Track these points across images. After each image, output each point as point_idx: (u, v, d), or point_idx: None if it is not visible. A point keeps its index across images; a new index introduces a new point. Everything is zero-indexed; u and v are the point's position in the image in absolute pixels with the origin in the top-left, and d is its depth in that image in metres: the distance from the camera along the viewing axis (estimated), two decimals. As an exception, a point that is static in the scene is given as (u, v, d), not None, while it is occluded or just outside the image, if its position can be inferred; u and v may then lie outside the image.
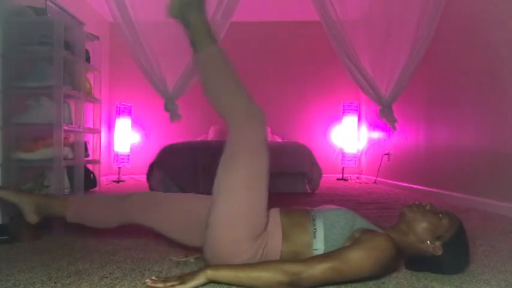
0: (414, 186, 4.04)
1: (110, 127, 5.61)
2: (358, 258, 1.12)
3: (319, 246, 1.23)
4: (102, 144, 3.99)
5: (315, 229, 1.26)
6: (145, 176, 3.89)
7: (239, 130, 1.25)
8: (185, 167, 3.72)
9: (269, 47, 5.81)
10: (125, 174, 5.50)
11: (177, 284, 1.10)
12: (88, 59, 2.45)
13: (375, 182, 5.04)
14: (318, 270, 1.10)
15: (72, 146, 2.24)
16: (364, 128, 5.80)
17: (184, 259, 1.46)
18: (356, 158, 5.67)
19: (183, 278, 1.12)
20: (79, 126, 2.27)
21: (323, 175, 4.01)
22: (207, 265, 1.24)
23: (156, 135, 5.65)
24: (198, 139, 5.09)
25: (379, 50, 3.28)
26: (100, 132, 2.64)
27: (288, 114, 5.76)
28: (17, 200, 1.56)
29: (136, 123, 5.68)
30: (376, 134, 5.29)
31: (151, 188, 3.90)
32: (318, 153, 4.60)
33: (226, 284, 1.14)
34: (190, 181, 3.60)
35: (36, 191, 1.87)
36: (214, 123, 5.21)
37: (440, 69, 3.55)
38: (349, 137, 5.63)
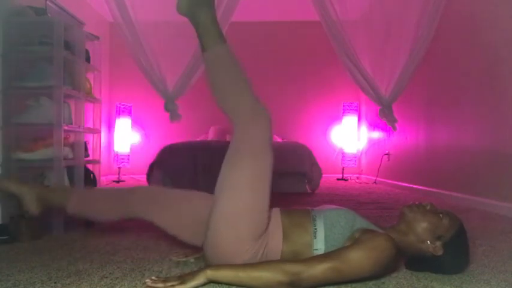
0: (414, 186, 4.04)
1: (110, 127, 5.61)
2: (358, 258, 1.12)
3: (319, 246, 1.23)
4: (102, 144, 3.99)
5: (315, 229, 1.26)
6: (145, 176, 3.90)
7: (244, 128, 1.25)
8: (185, 167, 3.72)
9: (269, 47, 5.81)
10: (124, 174, 5.50)
11: (177, 284, 1.10)
12: (88, 59, 2.45)
13: (375, 182, 5.04)
14: (318, 270, 1.10)
15: (72, 146, 2.24)
16: (364, 128, 5.80)
17: (184, 259, 1.46)
18: (356, 158, 5.67)
19: (183, 278, 1.12)
20: (79, 126, 2.27)
21: (323, 175, 4.01)
22: (207, 265, 1.24)
23: (156, 135, 5.65)
24: (198, 139, 5.09)
25: (379, 50, 3.28)
26: (100, 132, 2.64)
27: (288, 114, 5.75)
28: (17, 191, 1.56)
29: (136, 123, 5.68)
30: (376, 134, 5.29)
31: (151, 188, 3.90)
32: (318, 153, 4.59)
33: (226, 284, 1.14)
34: (190, 181, 3.60)
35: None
36: (214, 123, 5.21)
37: (440, 69, 3.55)
38: (349, 137, 5.63)
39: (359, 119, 5.78)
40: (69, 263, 1.44)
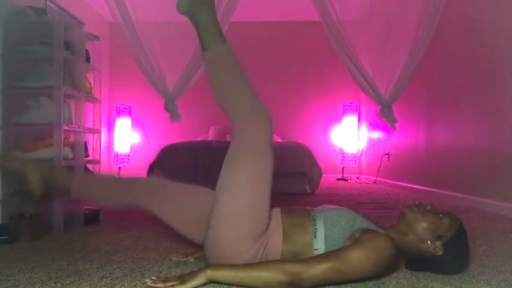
0: (414, 186, 4.04)
1: (110, 127, 5.62)
2: (358, 258, 1.12)
3: (319, 246, 1.23)
4: (102, 144, 3.99)
5: (315, 229, 1.26)
6: (145, 176, 3.90)
7: (245, 128, 1.25)
8: (185, 167, 3.72)
9: (269, 47, 5.81)
10: (125, 174, 5.50)
11: (177, 284, 1.10)
12: (88, 59, 2.45)
13: (375, 182, 5.04)
14: (318, 270, 1.10)
15: (72, 146, 2.24)
16: (364, 128, 5.80)
17: (184, 259, 1.46)
18: (356, 158, 5.68)
19: (183, 278, 1.12)
20: (79, 126, 2.27)
21: (323, 175, 4.02)
22: (207, 265, 1.24)
23: (156, 135, 5.66)
24: (198, 139, 5.09)
25: (379, 50, 3.28)
26: (100, 132, 2.64)
27: (288, 114, 5.76)
28: (22, 168, 1.54)
29: (136, 123, 5.68)
30: (376, 134, 5.29)
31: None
32: (318, 153, 4.60)
33: (226, 284, 1.14)
34: (190, 181, 3.58)
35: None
36: (214, 123, 5.21)
37: (440, 69, 3.55)
38: (349, 137, 5.63)
39: (359, 119, 5.78)
40: (69, 263, 1.44)
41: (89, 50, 2.48)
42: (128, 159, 5.43)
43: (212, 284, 1.16)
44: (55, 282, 1.22)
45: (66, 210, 2.02)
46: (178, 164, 3.73)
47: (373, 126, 5.42)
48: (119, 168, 5.38)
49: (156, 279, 1.13)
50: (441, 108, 3.55)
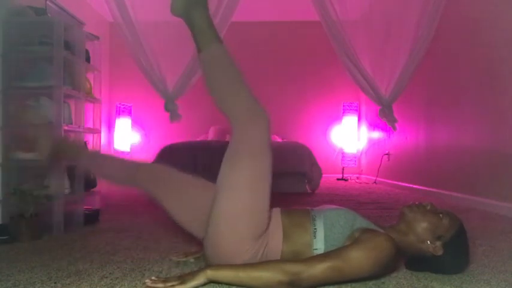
0: (414, 186, 4.04)
1: (110, 127, 5.62)
2: (358, 258, 1.12)
3: (319, 246, 1.23)
4: (102, 144, 3.99)
5: (315, 229, 1.26)
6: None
7: (243, 129, 1.25)
8: (185, 167, 3.66)
9: (269, 47, 5.81)
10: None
11: (177, 284, 1.10)
12: (88, 59, 2.45)
13: (375, 182, 5.04)
14: (318, 269, 1.10)
15: (72, 146, 2.24)
16: (364, 128, 5.80)
17: (184, 259, 1.46)
18: (356, 158, 5.68)
19: (183, 278, 1.12)
20: (79, 126, 2.27)
21: (323, 175, 4.02)
22: (207, 265, 1.24)
23: (156, 135, 5.66)
24: (198, 139, 5.09)
25: (379, 50, 3.29)
26: (100, 132, 2.64)
27: (288, 114, 5.76)
28: (36, 130, 1.65)
29: (137, 123, 5.68)
30: (376, 134, 5.29)
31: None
32: (318, 153, 4.60)
33: (226, 284, 1.14)
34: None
35: (36, 192, 1.87)
36: (214, 123, 5.22)
37: (440, 69, 3.55)
38: (349, 137, 5.63)
39: (359, 119, 5.78)
40: (69, 263, 1.44)
41: (89, 50, 2.48)
42: (128, 159, 5.43)
43: (212, 284, 1.16)
44: (55, 282, 1.22)
45: (66, 210, 2.02)
46: (178, 164, 3.66)
47: (373, 126, 5.43)
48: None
49: (156, 279, 1.13)
50: (441, 108, 3.55)
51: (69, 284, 1.20)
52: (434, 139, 3.70)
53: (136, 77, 3.81)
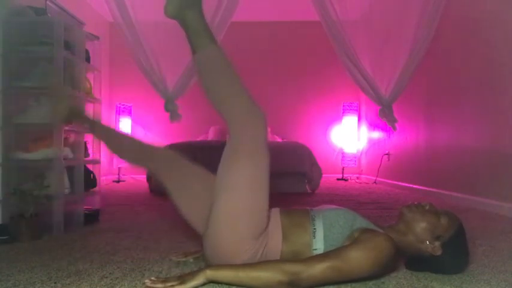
0: (414, 186, 4.04)
1: (110, 127, 5.60)
2: (358, 258, 1.12)
3: (318, 246, 1.23)
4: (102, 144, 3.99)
5: (314, 229, 1.26)
6: (145, 176, 3.89)
7: (240, 129, 1.25)
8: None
9: (269, 47, 5.81)
10: (124, 174, 5.50)
11: (176, 284, 1.10)
12: (88, 59, 2.45)
13: (375, 182, 5.04)
14: (318, 269, 1.10)
15: (72, 146, 2.24)
16: (364, 128, 5.80)
17: (184, 259, 1.46)
18: (356, 158, 5.68)
19: (182, 278, 1.12)
20: (79, 126, 2.27)
21: (323, 175, 4.02)
22: (207, 265, 1.25)
23: (156, 135, 5.66)
24: (198, 139, 5.09)
25: (379, 50, 3.29)
26: (100, 132, 2.64)
27: (288, 114, 5.76)
28: (58, 92, 1.79)
29: (137, 123, 5.68)
30: (376, 134, 5.29)
31: (151, 189, 3.90)
32: (318, 153, 4.60)
33: (226, 284, 1.14)
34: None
35: (36, 192, 1.87)
36: (214, 123, 5.21)
37: (440, 69, 3.55)
38: (349, 137, 5.63)
39: (359, 119, 5.78)
40: (69, 263, 1.44)
41: (89, 50, 2.48)
42: (128, 159, 5.42)
43: (212, 284, 1.16)
44: (55, 282, 1.22)
45: (66, 210, 2.02)
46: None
47: (373, 126, 5.43)
48: (119, 168, 5.38)
49: (156, 279, 1.13)
50: (441, 108, 3.55)
51: (69, 284, 1.21)
52: (434, 139, 3.70)
53: (136, 77, 3.81)
